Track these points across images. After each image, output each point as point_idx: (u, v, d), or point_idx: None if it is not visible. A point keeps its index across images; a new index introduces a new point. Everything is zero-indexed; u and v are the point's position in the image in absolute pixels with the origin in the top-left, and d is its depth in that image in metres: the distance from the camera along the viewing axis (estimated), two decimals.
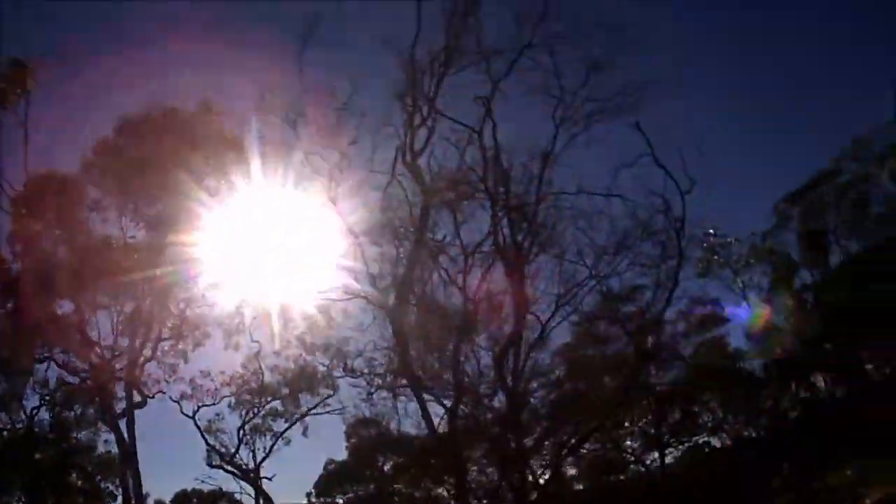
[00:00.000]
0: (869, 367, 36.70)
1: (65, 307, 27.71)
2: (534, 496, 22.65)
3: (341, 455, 34.11)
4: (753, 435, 33.19)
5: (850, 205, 34.61)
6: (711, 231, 30.48)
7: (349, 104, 20.38)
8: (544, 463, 24.88)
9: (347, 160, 20.79)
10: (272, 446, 31.86)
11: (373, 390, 24.34)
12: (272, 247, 24.23)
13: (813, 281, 34.78)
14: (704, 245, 30.33)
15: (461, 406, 22.09)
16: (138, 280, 27.09)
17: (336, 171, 20.72)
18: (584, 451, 30.35)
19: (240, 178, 24.15)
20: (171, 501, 36.70)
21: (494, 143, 21.46)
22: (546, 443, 24.66)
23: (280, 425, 31.88)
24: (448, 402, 21.50)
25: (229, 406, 31.39)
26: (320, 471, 34.82)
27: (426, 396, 22.10)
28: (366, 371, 23.98)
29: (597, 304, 24.23)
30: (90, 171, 25.12)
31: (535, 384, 23.93)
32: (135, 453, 27.10)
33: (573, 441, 23.69)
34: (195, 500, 36.84)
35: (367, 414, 28.86)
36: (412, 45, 20.24)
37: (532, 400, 23.69)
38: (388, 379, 23.78)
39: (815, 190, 34.30)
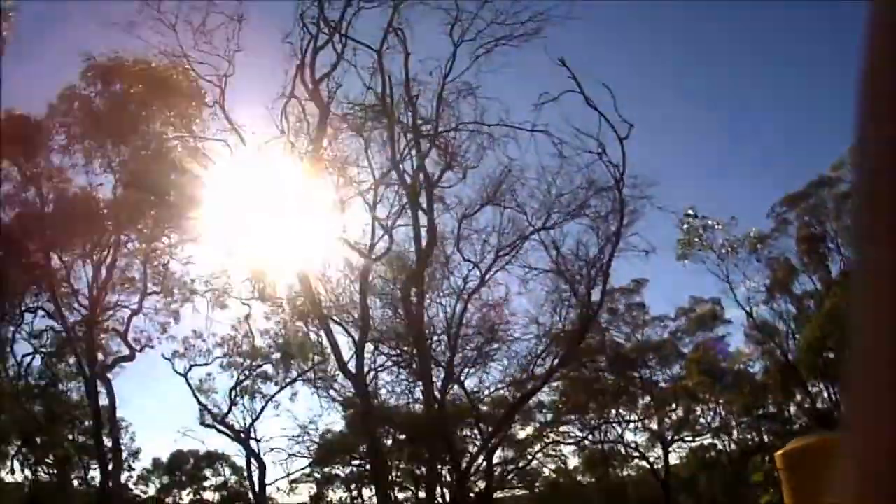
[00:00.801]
0: None
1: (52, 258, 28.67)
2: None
3: (338, 426, 32.83)
4: (757, 440, 29.65)
5: (850, 213, 30.42)
6: (690, 211, 27.79)
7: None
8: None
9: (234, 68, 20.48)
10: (262, 409, 31.40)
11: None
12: (253, 204, 23.19)
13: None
14: (685, 225, 27.69)
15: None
16: (118, 232, 27.71)
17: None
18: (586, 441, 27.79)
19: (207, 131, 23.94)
20: (167, 460, 37.00)
21: (405, 72, 20.44)
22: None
23: (270, 388, 31.57)
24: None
25: (221, 367, 31.34)
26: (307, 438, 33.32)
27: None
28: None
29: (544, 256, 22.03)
30: (54, 116, 25.75)
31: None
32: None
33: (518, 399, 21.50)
34: (192, 459, 37.00)
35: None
36: None
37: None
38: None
39: (815, 195, 31.46)
